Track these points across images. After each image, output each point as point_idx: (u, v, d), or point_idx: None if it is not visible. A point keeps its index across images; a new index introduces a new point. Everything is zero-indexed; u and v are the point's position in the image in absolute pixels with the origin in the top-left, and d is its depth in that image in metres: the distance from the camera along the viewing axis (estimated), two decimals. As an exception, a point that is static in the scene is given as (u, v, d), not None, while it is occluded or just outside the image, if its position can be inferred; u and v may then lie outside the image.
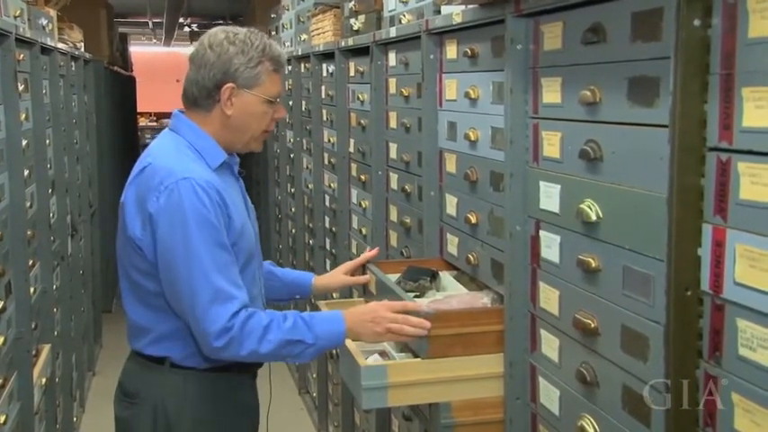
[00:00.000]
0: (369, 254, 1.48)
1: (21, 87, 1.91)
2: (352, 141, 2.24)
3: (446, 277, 1.49)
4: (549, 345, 1.09)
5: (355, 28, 2.14)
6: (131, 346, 1.24)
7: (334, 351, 1.33)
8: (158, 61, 11.09)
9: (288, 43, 3.31)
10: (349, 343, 1.25)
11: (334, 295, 2.37)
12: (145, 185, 1.15)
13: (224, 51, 1.18)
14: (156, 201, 1.13)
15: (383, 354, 1.28)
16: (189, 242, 1.11)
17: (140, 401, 1.21)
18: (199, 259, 1.11)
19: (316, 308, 2.26)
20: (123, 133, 5.68)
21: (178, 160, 1.17)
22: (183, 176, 1.13)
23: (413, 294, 1.37)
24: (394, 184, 1.85)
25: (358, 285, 1.47)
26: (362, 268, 1.48)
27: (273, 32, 3.78)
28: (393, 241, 1.88)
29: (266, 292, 1.36)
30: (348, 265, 1.49)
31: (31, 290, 1.94)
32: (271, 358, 1.18)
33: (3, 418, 1.60)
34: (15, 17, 1.96)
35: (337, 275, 1.47)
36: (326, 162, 2.57)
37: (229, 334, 1.11)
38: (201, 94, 1.20)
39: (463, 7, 1.30)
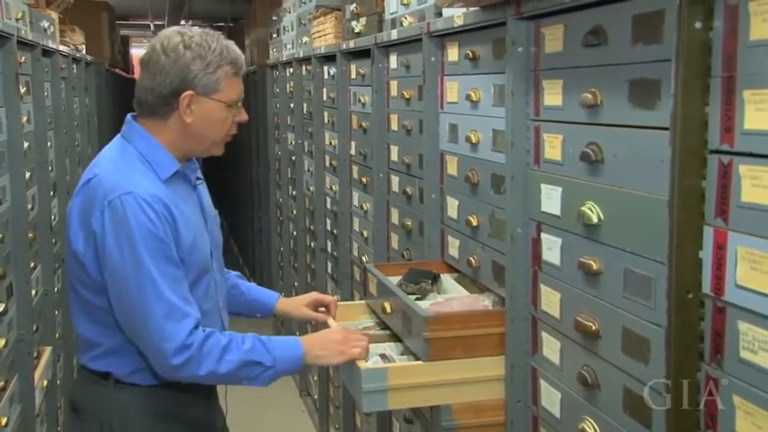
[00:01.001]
0: (331, 301, 1.44)
1: (22, 90, 1.91)
2: (353, 144, 2.24)
3: (447, 280, 1.49)
4: (551, 347, 1.09)
5: (356, 30, 2.14)
6: (79, 359, 1.22)
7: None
8: (160, 64, 11.06)
9: (289, 45, 3.32)
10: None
11: (335, 297, 2.37)
12: (89, 199, 1.11)
13: (180, 57, 1.12)
14: (99, 216, 1.09)
15: (383, 356, 1.28)
16: (137, 259, 1.07)
17: (87, 417, 1.18)
18: (149, 276, 1.07)
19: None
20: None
21: (124, 172, 1.12)
22: (126, 191, 1.08)
23: (414, 297, 1.37)
24: (395, 187, 1.85)
25: (315, 321, 1.42)
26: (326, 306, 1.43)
27: (275, 35, 3.79)
28: (394, 243, 1.88)
29: (229, 305, 1.33)
30: (315, 296, 1.45)
31: (33, 292, 1.94)
32: (228, 380, 1.14)
33: (4, 420, 1.60)
34: (17, 19, 1.97)
35: (299, 306, 1.42)
36: (328, 164, 2.57)
37: (188, 352, 1.08)
38: (157, 101, 1.14)
39: (464, 10, 1.30)
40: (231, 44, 1.18)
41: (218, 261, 1.25)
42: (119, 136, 1.20)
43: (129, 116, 1.20)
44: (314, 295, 1.46)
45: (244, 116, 1.20)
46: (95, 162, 1.18)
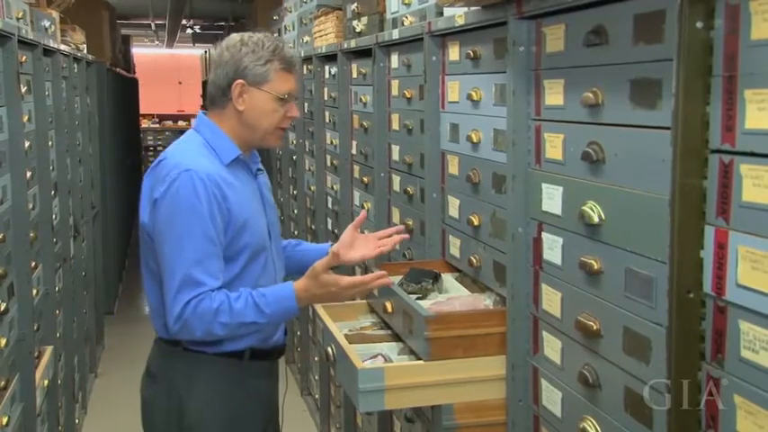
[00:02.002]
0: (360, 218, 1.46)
1: (23, 89, 1.91)
2: (354, 143, 2.25)
3: (448, 279, 1.49)
4: (552, 347, 1.09)
5: (358, 30, 2.14)
6: (155, 330, 1.32)
7: (332, 355, 1.32)
8: (161, 63, 11.11)
9: (290, 45, 3.32)
10: (346, 346, 1.26)
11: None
12: (156, 177, 1.25)
13: (237, 51, 1.27)
14: (160, 189, 1.22)
15: (381, 356, 1.28)
16: (175, 229, 1.19)
17: (158, 382, 1.31)
18: (180, 246, 1.19)
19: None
20: (126, 135, 5.69)
21: (188, 155, 1.26)
22: (185, 168, 1.21)
23: (415, 296, 1.37)
24: (396, 186, 1.86)
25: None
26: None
27: (276, 34, 3.79)
28: (395, 243, 1.88)
29: (298, 267, 1.43)
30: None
31: (34, 292, 1.94)
32: (232, 334, 1.23)
33: (5, 419, 1.60)
34: (18, 19, 1.97)
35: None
36: (329, 164, 2.57)
37: (181, 320, 1.19)
38: (218, 93, 1.29)
39: (466, 9, 1.30)
40: (288, 46, 1.33)
41: (276, 244, 1.36)
42: (191, 129, 1.35)
43: (200, 112, 1.35)
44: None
45: (295, 112, 1.31)
46: (167, 150, 1.31)
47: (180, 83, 11.27)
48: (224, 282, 1.22)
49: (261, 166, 1.38)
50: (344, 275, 1.27)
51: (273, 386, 1.38)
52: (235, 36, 1.30)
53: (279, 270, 1.37)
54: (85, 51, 3.46)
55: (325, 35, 2.54)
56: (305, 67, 2.92)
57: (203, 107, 1.34)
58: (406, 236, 1.45)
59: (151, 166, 1.28)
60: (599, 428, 0.96)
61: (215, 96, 1.29)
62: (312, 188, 2.82)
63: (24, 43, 1.98)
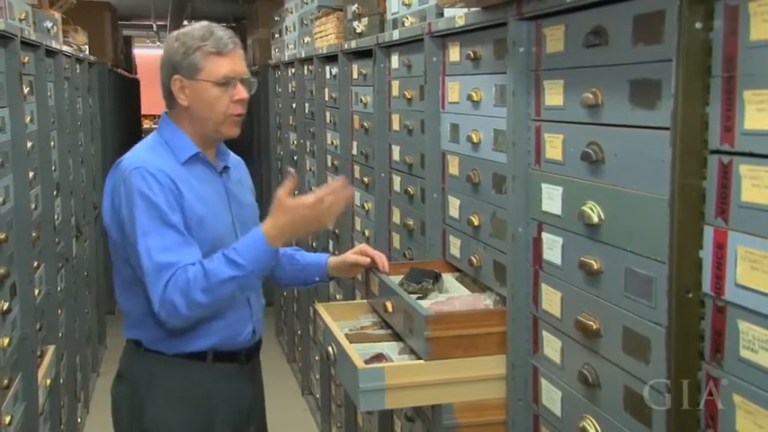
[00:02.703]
0: (375, 253, 1.45)
1: (26, 90, 1.92)
2: (355, 143, 2.25)
3: (449, 279, 1.49)
4: (551, 346, 1.09)
5: (358, 31, 2.15)
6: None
7: (332, 355, 1.32)
8: (162, 64, 11.07)
9: (291, 46, 3.33)
10: (347, 346, 1.26)
11: (338, 297, 2.38)
12: (114, 179, 1.27)
13: (169, 48, 1.28)
14: (118, 191, 1.24)
15: (382, 356, 1.28)
16: (138, 225, 1.20)
17: (123, 382, 1.31)
18: (146, 240, 1.19)
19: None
20: (127, 135, 5.70)
21: (141, 154, 1.27)
22: (135, 166, 1.23)
23: (415, 296, 1.37)
24: (397, 186, 1.86)
25: (356, 263, 1.45)
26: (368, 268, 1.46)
27: (277, 35, 3.80)
28: (396, 243, 1.88)
29: (289, 277, 1.44)
30: (362, 247, 1.48)
31: (36, 291, 1.95)
32: (219, 301, 1.20)
33: (8, 418, 1.61)
34: (20, 20, 1.97)
35: (344, 254, 1.47)
36: (330, 164, 2.58)
37: (165, 302, 1.18)
38: (165, 93, 1.30)
39: (466, 10, 1.30)
40: (218, 28, 1.28)
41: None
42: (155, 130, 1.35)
43: (164, 112, 1.34)
44: (362, 246, 1.50)
45: (242, 93, 1.27)
46: (127, 152, 1.32)
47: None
48: None
49: (229, 164, 1.35)
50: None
51: (246, 390, 1.34)
52: (171, 34, 1.30)
53: None
54: (87, 52, 3.47)
55: (326, 36, 2.55)
56: (305, 67, 2.93)
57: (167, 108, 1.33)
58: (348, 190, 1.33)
59: (111, 169, 1.29)
60: (599, 428, 0.97)
61: (165, 98, 1.30)
62: (313, 188, 2.82)
63: (27, 44, 1.99)
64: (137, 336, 1.29)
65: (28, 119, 1.96)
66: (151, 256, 1.18)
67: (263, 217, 1.27)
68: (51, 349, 2.12)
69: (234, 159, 1.41)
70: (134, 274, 1.24)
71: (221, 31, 1.27)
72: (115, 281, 1.31)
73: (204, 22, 1.29)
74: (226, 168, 1.34)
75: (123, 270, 1.27)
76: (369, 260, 1.43)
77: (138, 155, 1.27)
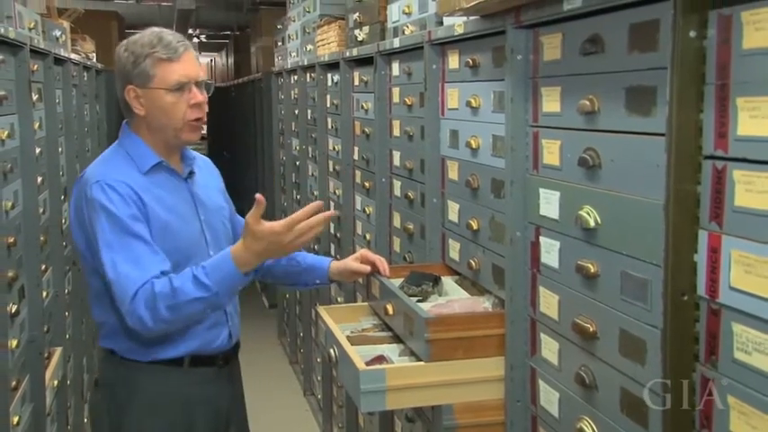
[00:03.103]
0: (377, 258, 1.46)
1: (35, 97, 1.94)
2: (356, 149, 2.27)
3: (448, 282, 1.50)
4: (549, 348, 1.10)
5: (360, 39, 2.17)
6: None
7: (334, 357, 1.33)
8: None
9: (294, 53, 3.36)
10: (348, 348, 1.27)
11: (339, 299, 2.39)
12: (77, 193, 1.26)
13: (121, 59, 1.26)
14: (81, 205, 1.23)
15: (382, 358, 1.29)
16: (101, 237, 1.19)
17: (101, 388, 1.30)
18: (111, 252, 1.18)
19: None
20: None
21: (100, 167, 1.26)
22: (95, 180, 1.22)
23: (415, 299, 1.38)
24: (397, 191, 1.87)
25: (359, 272, 1.44)
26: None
27: (280, 43, 3.83)
28: (396, 247, 1.89)
29: (289, 278, 1.43)
30: (364, 252, 1.47)
31: (44, 294, 1.96)
32: (185, 318, 1.19)
33: (16, 419, 1.62)
34: (30, 29, 2.01)
35: (348, 261, 1.46)
36: (331, 169, 2.60)
37: (133, 315, 1.17)
38: (122, 104, 1.28)
39: (465, 18, 1.32)
40: (166, 33, 1.26)
41: (216, 249, 1.30)
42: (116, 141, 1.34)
43: (124, 122, 1.32)
44: (363, 252, 1.49)
45: (198, 97, 1.24)
46: (89, 165, 1.31)
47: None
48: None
49: (195, 168, 1.33)
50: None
51: (224, 392, 1.32)
52: (121, 43, 1.28)
53: None
54: (95, 60, 3.50)
55: (328, 44, 2.57)
56: (308, 75, 2.96)
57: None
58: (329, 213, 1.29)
59: (75, 182, 1.29)
60: (595, 429, 0.98)
61: (122, 108, 1.28)
62: (315, 193, 2.84)
63: (36, 52, 2.01)
64: (111, 346, 1.28)
65: (36, 125, 1.98)
66: (116, 268, 1.16)
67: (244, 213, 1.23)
68: (58, 351, 2.13)
69: (201, 161, 1.39)
70: (104, 285, 1.22)
71: (170, 36, 1.24)
72: (89, 293, 1.30)
73: (154, 28, 1.27)
74: (191, 173, 1.32)
75: (93, 282, 1.26)
76: (369, 268, 1.43)
77: (98, 168, 1.25)
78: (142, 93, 1.23)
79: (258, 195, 1.16)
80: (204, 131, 10.06)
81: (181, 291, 1.15)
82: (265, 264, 1.47)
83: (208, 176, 1.39)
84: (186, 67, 1.23)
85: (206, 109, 1.27)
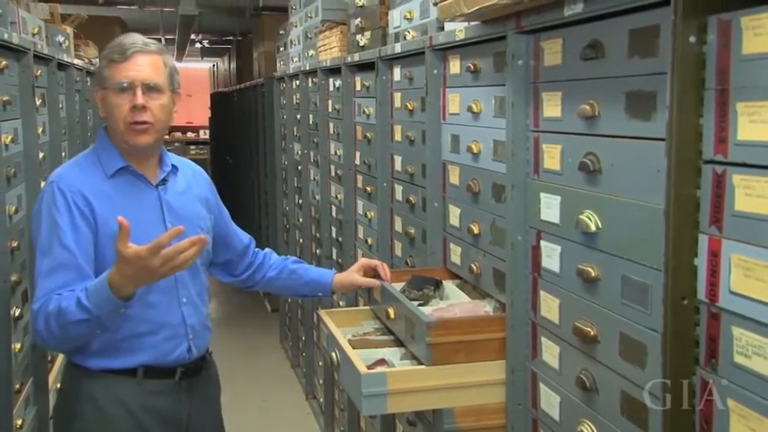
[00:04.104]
0: (378, 264, 1.49)
1: (38, 102, 1.95)
2: (357, 154, 2.28)
3: (449, 286, 1.50)
4: (550, 352, 1.10)
5: (361, 44, 2.18)
6: None
7: (336, 360, 1.34)
8: (169, 76, 11.19)
9: (296, 59, 3.37)
10: (350, 351, 1.27)
11: (341, 303, 2.39)
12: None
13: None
14: (35, 203, 1.25)
15: (383, 361, 1.29)
16: (38, 240, 1.20)
17: (58, 394, 1.31)
18: (40, 257, 1.19)
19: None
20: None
21: (65, 168, 1.27)
22: (52, 179, 1.23)
23: (417, 303, 1.39)
24: (399, 196, 1.88)
25: (368, 287, 1.46)
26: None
27: (282, 48, 3.85)
28: (398, 251, 1.90)
29: (290, 291, 1.43)
30: (363, 262, 1.48)
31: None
32: (75, 338, 1.18)
33: (20, 421, 1.63)
34: (33, 34, 2.02)
35: (350, 276, 1.47)
36: (333, 174, 2.60)
37: (35, 328, 1.18)
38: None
39: (466, 24, 1.33)
40: (131, 36, 1.28)
41: None
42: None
43: (101, 127, 1.33)
44: (362, 261, 1.50)
45: (136, 100, 1.22)
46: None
47: (189, 95, 11.42)
48: None
49: (170, 175, 1.30)
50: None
51: (184, 406, 1.29)
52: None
53: (184, 288, 1.28)
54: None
55: (330, 49, 2.58)
56: (309, 80, 2.97)
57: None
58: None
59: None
60: (596, 432, 0.98)
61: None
62: (317, 197, 2.85)
63: (39, 58, 2.03)
64: (67, 351, 1.28)
65: (40, 130, 1.99)
66: (39, 274, 1.18)
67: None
68: (61, 355, 2.14)
69: (185, 169, 1.36)
70: None
71: (128, 38, 1.25)
72: None
73: (129, 33, 1.29)
74: (164, 181, 1.30)
75: None
76: (378, 282, 1.44)
77: (64, 168, 1.26)
78: (101, 94, 1.26)
79: (119, 218, 1.09)
80: (207, 136, 9.96)
81: (67, 311, 1.14)
82: (266, 276, 1.48)
83: (190, 184, 1.35)
84: (132, 69, 1.22)
85: (151, 114, 1.23)
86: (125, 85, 1.22)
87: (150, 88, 1.23)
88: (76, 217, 1.19)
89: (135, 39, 1.27)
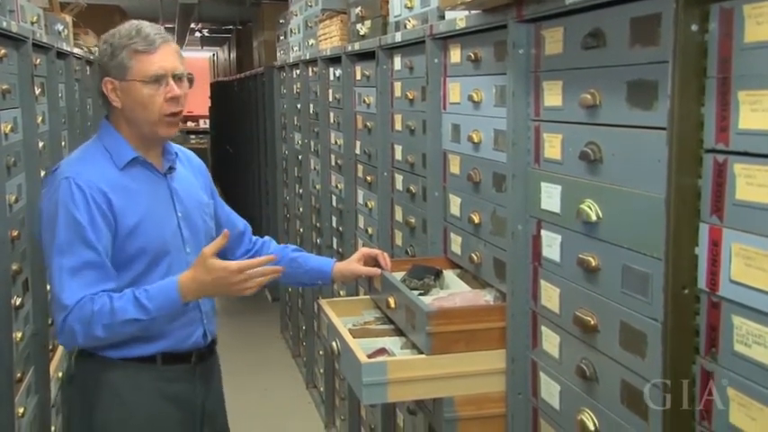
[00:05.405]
0: (379, 253, 1.48)
1: (37, 91, 1.95)
2: (358, 143, 2.27)
3: (450, 275, 1.51)
4: (550, 341, 1.11)
5: (362, 33, 2.17)
6: None
7: (336, 350, 1.34)
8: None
9: (296, 48, 3.35)
10: (350, 340, 1.28)
11: (341, 293, 2.40)
12: (48, 187, 1.22)
13: (100, 51, 1.24)
14: (44, 200, 1.21)
15: (384, 350, 1.30)
16: (56, 238, 1.16)
17: (73, 383, 1.27)
18: (60, 256, 1.16)
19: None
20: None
21: (75, 163, 1.23)
22: (64, 176, 1.19)
23: (417, 292, 1.39)
24: (399, 185, 1.88)
25: (368, 276, 1.46)
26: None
27: (282, 37, 3.82)
28: (398, 240, 1.90)
29: (290, 279, 1.41)
30: (363, 251, 1.48)
31: (48, 287, 1.98)
32: (115, 337, 1.18)
33: (21, 410, 1.64)
34: (32, 23, 2.01)
35: (351, 265, 1.47)
36: (333, 163, 2.60)
37: (64, 329, 1.16)
38: (100, 98, 1.26)
39: (467, 13, 1.32)
40: (144, 26, 1.23)
41: (193, 246, 1.28)
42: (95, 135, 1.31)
43: (104, 117, 1.30)
44: (363, 251, 1.49)
45: (175, 91, 1.21)
46: (64, 159, 1.29)
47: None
48: (117, 289, 1.17)
49: (176, 164, 1.30)
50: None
51: (198, 390, 1.30)
52: (102, 37, 1.27)
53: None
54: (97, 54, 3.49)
55: (330, 38, 2.57)
56: (310, 69, 2.95)
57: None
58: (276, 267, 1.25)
59: (48, 175, 1.25)
60: (596, 421, 0.98)
61: (101, 102, 1.26)
62: (317, 187, 2.85)
63: (38, 46, 2.01)
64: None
65: (39, 119, 1.99)
66: (61, 274, 1.15)
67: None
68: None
69: (185, 156, 1.36)
70: None
71: (149, 28, 1.22)
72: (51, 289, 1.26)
73: (134, 21, 1.25)
74: (171, 169, 1.30)
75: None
76: (378, 271, 1.44)
77: (73, 163, 1.22)
78: (119, 85, 1.21)
79: (226, 230, 1.15)
80: (207, 126, 9.93)
81: (120, 310, 1.14)
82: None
83: (191, 172, 1.36)
84: (163, 60, 1.21)
85: (184, 103, 1.23)
86: (160, 75, 1.20)
87: (179, 78, 1.23)
88: (96, 214, 1.17)
89: (155, 27, 1.24)
